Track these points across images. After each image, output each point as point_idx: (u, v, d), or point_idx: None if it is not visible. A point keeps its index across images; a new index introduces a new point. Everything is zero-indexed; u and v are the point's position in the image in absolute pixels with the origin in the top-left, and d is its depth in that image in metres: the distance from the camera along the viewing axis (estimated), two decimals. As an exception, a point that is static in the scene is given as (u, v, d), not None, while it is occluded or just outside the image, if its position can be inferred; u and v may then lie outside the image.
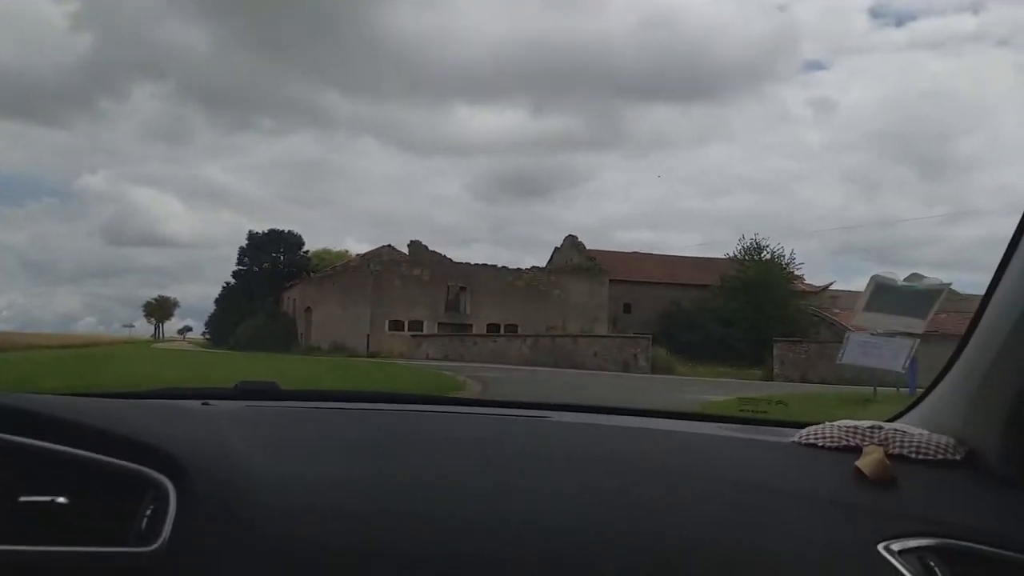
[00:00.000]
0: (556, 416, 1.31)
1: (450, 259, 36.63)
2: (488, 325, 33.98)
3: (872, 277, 1.43)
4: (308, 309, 40.02)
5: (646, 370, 23.69)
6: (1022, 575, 0.79)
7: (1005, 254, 0.94)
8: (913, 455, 1.01)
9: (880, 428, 1.05)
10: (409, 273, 35.08)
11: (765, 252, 33.67)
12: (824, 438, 1.07)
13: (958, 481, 0.96)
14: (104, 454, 0.78)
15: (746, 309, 30.97)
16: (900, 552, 0.79)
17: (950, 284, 1.04)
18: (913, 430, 1.04)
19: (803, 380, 21.45)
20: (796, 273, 34.88)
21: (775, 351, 23.07)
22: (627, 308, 36.25)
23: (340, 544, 0.75)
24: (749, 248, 33.93)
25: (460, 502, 0.82)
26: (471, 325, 34.19)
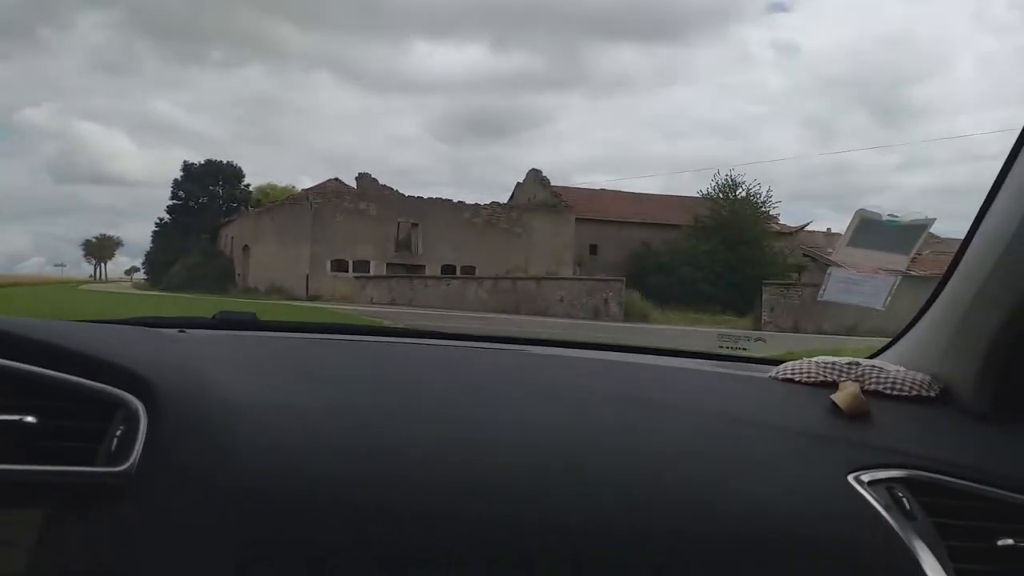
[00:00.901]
0: (533, 349, 1.32)
1: (400, 192, 32.19)
2: (443, 266, 30.29)
3: (857, 211, 1.19)
4: (246, 247, 35.91)
5: (618, 317, 22.08)
6: (989, 506, 0.82)
7: (987, 197, 0.95)
8: (889, 391, 1.03)
9: (857, 364, 1.08)
10: (354, 208, 30.86)
11: (740, 189, 32.22)
12: (801, 373, 1.09)
13: (932, 416, 0.99)
14: (73, 375, 0.77)
15: (720, 251, 29.68)
16: (870, 483, 0.82)
17: (935, 219, 1.05)
18: (890, 367, 1.07)
19: (796, 329, 19.66)
20: (772, 213, 31.39)
21: (764, 296, 20.06)
22: (593, 249, 33.35)
23: (314, 470, 0.75)
24: (724, 185, 31.13)
25: (437, 431, 0.83)
26: (424, 266, 30.42)
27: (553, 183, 36.38)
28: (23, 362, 0.76)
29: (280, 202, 36.79)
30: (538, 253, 31.94)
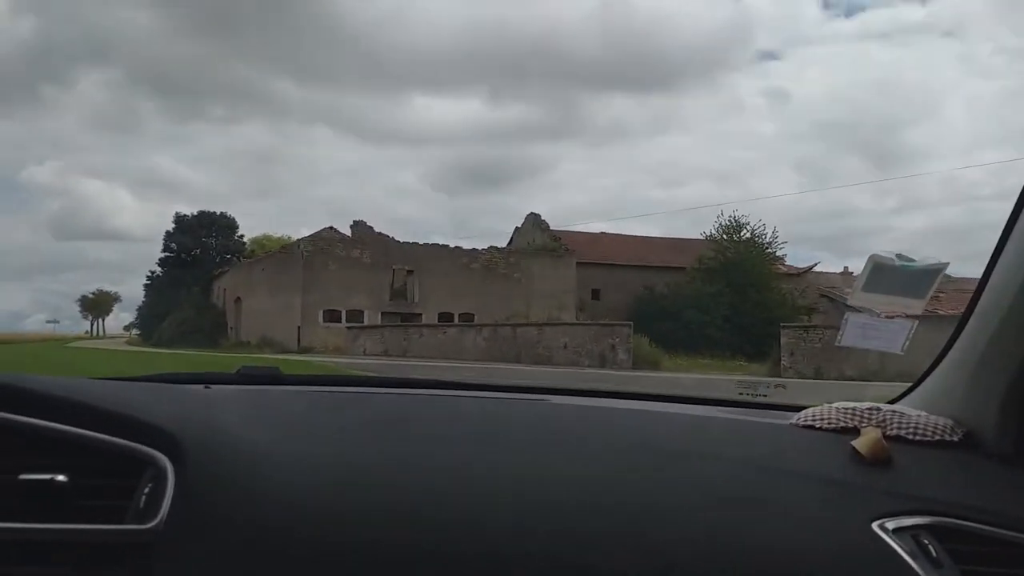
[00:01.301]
0: (556, 399, 1.32)
1: (395, 239, 30.84)
2: (440, 314, 28.85)
3: (870, 256, 1.18)
4: (238, 299, 34.68)
5: (627, 365, 20.25)
6: (1016, 552, 0.82)
7: (1001, 237, 0.97)
8: (911, 436, 1.02)
9: (878, 410, 1.08)
10: (347, 255, 29.66)
11: (745, 231, 29.65)
12: (822, 419, 1.09)
13: (955, 461, 0.99)
14: (102, 433, 0.80)
15: (726, 293, 28.81)
16: (894, 530, 0.82)
17: (948, 263, 1.06)
18: (911, 412, 1.07)
19: (818, 375, 18.28)
20: (778, 254, 30.35)
21: (782, 340, 18.74)
22: (595, 294, 32.08)
23: (341, 524, 0.76)
24: (728, 226, 29.94)
25: (463, 483, 0.84)
26: (420, 314, 29.04)
27: (552, 228, 35.16)
28: (53, 421, 0.78)
29: (271, 252, 35.61)
30: (539, 298, 30.78)
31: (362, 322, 29.54)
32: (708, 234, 32.01)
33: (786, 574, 0.76)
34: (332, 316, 30.36)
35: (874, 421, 1.04)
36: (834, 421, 1.07)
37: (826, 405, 1.11)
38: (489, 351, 23.56)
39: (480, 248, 33.73)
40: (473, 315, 29.97)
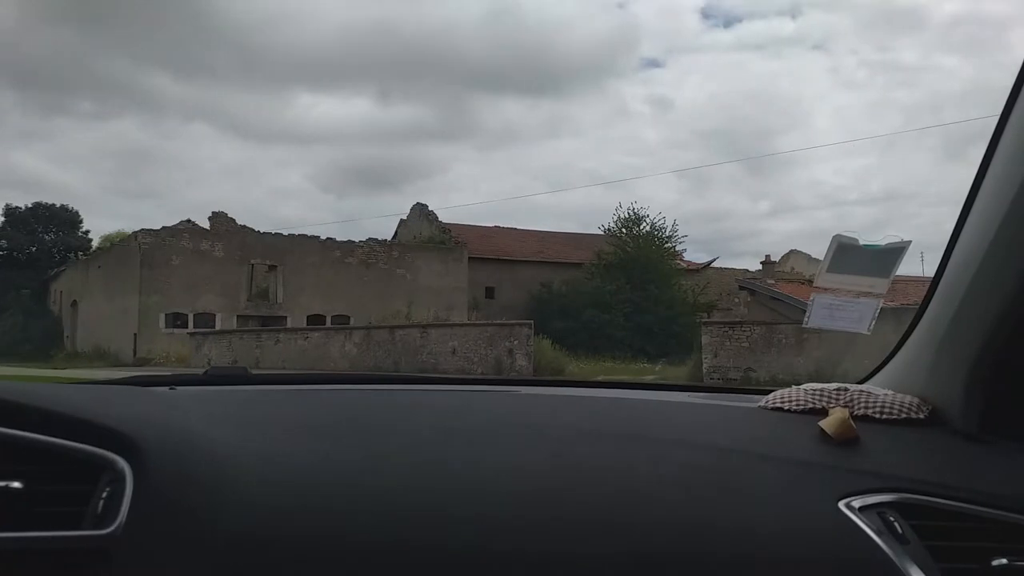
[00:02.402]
0: (525, 390, 1.32)
1: (254, 230, 25.33)
2: (309, 316, 23.75)
3: (834, 237, 1.20)
4: (74, 303, 27.82)
5: (527, 371, 17.81)
6: (981, 526, 0.85)
7: (958, 220, 1.01)
8: (878, 415, 1.04)
9: (846, 390, 1.09)
10: (194, 249, 24.01)
11: (644, 224, 27.07)
12: (790, 401, 1.09)
13: (921, 439, 1.01)
14: (59, 437, 0.77)
15: (626, 290, 27.12)
16: (861, 508, 0.85)
17: (911, 241, 1.08)
18: (878, 391, 1.09)
19: (747, 379, 15.01)
20: (677, 249, 27.95)
21: (704, 339, 15.34)
22: (489, 292, 28.10)
23: (305, 523, 0.75)
24: (627, 220, 26.94)
25: (432, 477, 0.84)
26: (285, 317, 23.97)
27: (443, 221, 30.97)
28: (8, 426, 0.75)
29: (108, 247, 29.23)
30: (426, 297, 27.50)
31: (213, 326, 24.66)
32: (607, 228, 30.70)
33: (755, 555, 0.77)
34: (177, 321, 26.56)
35: (842, 401, 1.05)
36: (802, 402, 1.07)
37: (795, 387, 1.12)
38: (361, 359, 20.56)
39: (357, 240, 30.19)
40: (349, 317, 26.56)
